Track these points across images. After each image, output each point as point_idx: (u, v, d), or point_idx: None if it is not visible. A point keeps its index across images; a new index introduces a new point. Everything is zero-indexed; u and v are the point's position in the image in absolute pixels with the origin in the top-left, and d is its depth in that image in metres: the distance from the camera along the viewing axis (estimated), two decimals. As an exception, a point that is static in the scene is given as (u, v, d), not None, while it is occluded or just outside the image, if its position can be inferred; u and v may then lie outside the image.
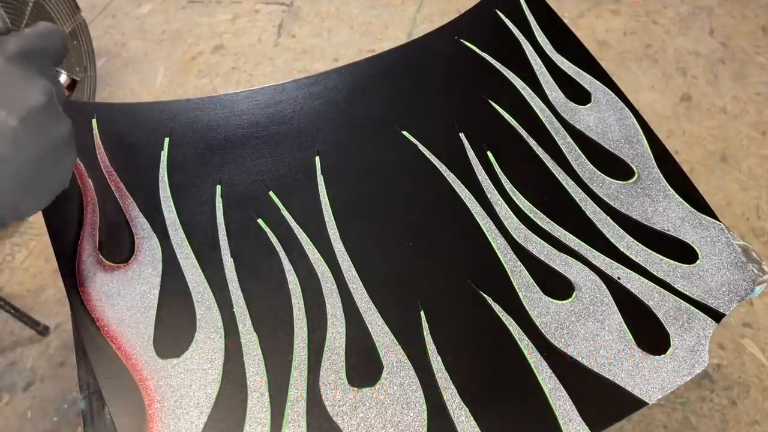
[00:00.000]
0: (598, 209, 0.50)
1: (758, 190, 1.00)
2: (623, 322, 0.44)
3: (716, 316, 0.44)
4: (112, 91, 1.26)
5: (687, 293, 0.45)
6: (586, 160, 0.54)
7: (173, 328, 0.44)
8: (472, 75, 0.60)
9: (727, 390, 0.79)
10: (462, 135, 0.56)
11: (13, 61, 0.32)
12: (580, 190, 0.52)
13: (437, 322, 0.45)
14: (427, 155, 0.54)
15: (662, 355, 0.43)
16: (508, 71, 0.60)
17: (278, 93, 0.59)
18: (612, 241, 0.49)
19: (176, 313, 0.45)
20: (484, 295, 0.46)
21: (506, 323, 0.45)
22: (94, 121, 0.55)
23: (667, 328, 0.44)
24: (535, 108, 0.57)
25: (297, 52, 1.31)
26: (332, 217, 0.50)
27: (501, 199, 0.51)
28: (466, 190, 0.52)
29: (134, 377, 0.42)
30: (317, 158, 0.54)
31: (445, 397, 0.41)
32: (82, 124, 0.55)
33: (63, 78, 0.38)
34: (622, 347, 0.43)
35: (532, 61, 0.61)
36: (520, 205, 0.51)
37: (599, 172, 0.53)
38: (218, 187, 0.52)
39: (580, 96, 0.58)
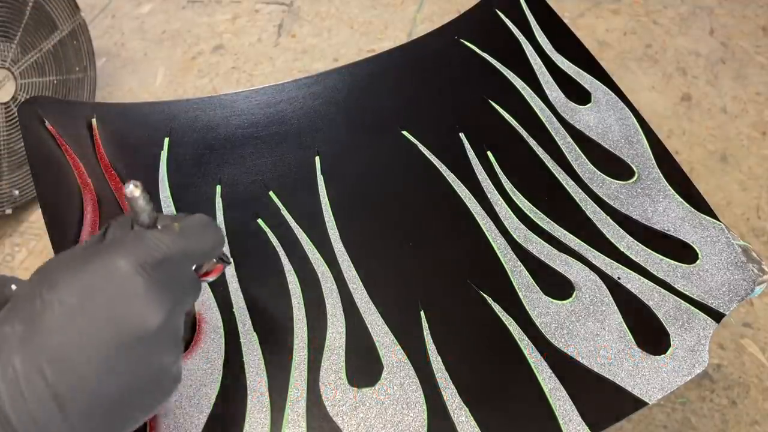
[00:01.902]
0: (598, 209, 0.50)
1: (758, 190, 1.00)
2: (623, 322, 0.44)
3: (716, 316, 0.44)
4: (112, 91, 1.26)
5: (687, 293, 0.45)
6: (586, 160, 0.54)
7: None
8: (472, 75, 0.60)
9: (727, 390, 0.79)
10: (462, 135, 0.56)
11: (141, 271, 0.27)
12: (580, 190, 0.52)
13: (437, 322, 0.45)
14: (427, 155, 0.54)
15: (662, 355, 0.43)
16: (508, 71, 0.60)
17: (278, 93, 0.59)
18: (612, 241, 0.49)
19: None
20: (484, 295, 0.46)
21: (506, 323, 0.45)
22: (94, 121, 0.55)
23: (667, 328, 0.44)
24: (535, 108, 0.57)
25: (297, 52, 1.31)
26: (332, 217, 0.50)
27: (501, 199, 0.51)
28: (466, 190, 0.52)
29: (134, 377, 0.42)
30: (317, 158, 0.54)
31: (445, 397, 0.41)
32: (82, 124, 0.55)
33: (214, 264, 0.33)
34: (622, 347, 0.43)
35: (532, 61, 0.61)
36: (520, 205, 0.51)
37: (599, 172, 0.53)
38: (218, 187, 0.52)
39: (580, 96, 0.58)
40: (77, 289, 0.26)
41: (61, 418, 0.24)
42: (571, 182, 0.52)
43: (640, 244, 0.48)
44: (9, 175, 0.98)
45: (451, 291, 0.47)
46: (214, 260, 0.34)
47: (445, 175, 0.53)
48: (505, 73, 0.60)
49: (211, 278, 0.35)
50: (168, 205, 0.51)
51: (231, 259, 0.35)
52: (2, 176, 0.97)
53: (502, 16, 0.64)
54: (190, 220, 0.31)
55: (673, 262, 0.47)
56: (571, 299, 0.46)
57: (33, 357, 0.24)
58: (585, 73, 0.59)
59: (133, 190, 0.28)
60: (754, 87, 1.16)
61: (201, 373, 0.42)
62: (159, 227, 0.30)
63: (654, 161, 0.53)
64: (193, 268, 0.33)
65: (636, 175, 0.52)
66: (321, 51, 1.31)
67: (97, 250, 0.27)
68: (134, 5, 1.47)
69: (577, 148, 0.54)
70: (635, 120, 0.56)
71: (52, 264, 0.27)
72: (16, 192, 1.00)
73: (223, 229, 0.50)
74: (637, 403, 0.41)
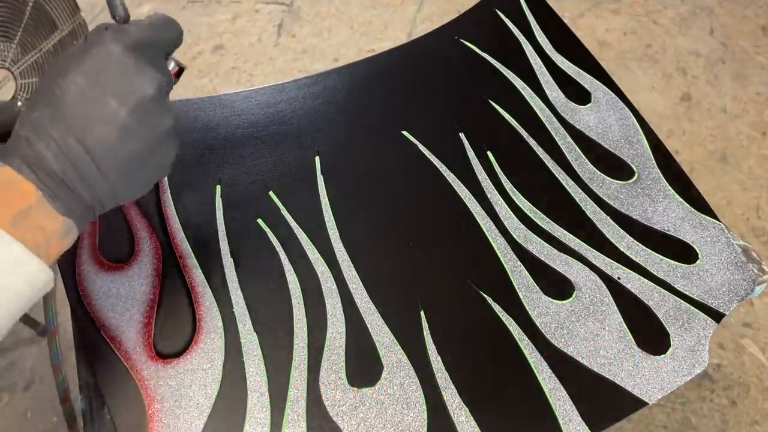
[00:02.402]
0: (598, 209, 0.50)
1: (758, 190, 1.00)
2: (623, 322, 0.44)
3: (716, 316, 0.44)
4: (112, 91, 1.26)
5: (687, 293, 0.45)
6: (586, 160, 0.54)
7: (173, 328, 0.44)
8: (472, 75, 0.60)
9: (727, 390, 0.79)
10: (462, 135, 0.56)
11: (128, 52, 0.32)
12: (580, 190, 0.52)
13: (437, 322, 0.45)
14: (427, 155, 0.54)
15: (662, 355, 0.43)
16: (508, 71, 0.60)
17: (278, 93, 0.59)
18: (612, 241, 0.49)
19: (176, 313, 0.45)
20: (484, 295, 0.46)
21: (506, 323, 0.45)
22: (94, 121, 0.55)
23: (667, 328, 0.44)
24: (535, 108, 0.57)
25: (297, 52, 1.31)
26: (332, 217, 0.50)
27: (501, 199, 0.51)
28: (466, 190, 0.52)
29: (134, 377, 0.42)
30: (317, 158, 0.54)
31: (445, 397, 0.41)
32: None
33: (171, 65, 0.38)
34: (622, 347, 0.43)
35: (532, 61, 0.61)
36: (520, 205, 0.51)
37: (599, 172, 0.53)
38: (218, 187, 0.52)
39: (580, 96, 0.58)
40: (84, 72, 0.32)
41: (94, 168, 0.31)
42: (571, 182, 0.52)
43: (640, 244, 0.48)
44: (9, 175, 0.98)
45: (451, 291, 0.47)
46: (173, 63, 0.38)
47: (445, 175, 0.53)
48: (505, 73, 0.60)
49: (174, 80, 0.39)
50: (168, 206, 0.51)
51: (186, 65, 0.40)
52: (2, 176, 0.97)
53: (502, 16, 0.64)
54: (156, 16, 0.36)
55: (673, 262, 0.47)
56: (571, 299, 0.46)
57: (65, 129, 0.31)
58: (585, 73, 0.59)
59: None
60: (754, 87, 1.16)
61: (201, 373, 0.42)
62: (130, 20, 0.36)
63: (654, 161, 0.53)
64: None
65: (636, 175, 0.52)
66: (321, 51, 1.31)
67: (91, 42, 0.33)
68: (134, 5, 1.47)
69: (577, 148, 0.54)
70: (635, 120, 0.56)
71: (60, 60, 0.33)
72: (16, 192, 0.99)
73: (224, 230, 0.50)
74: (637, 403, 0.41)
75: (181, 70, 0.39)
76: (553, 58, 0.61)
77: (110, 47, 0.32)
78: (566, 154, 0.54)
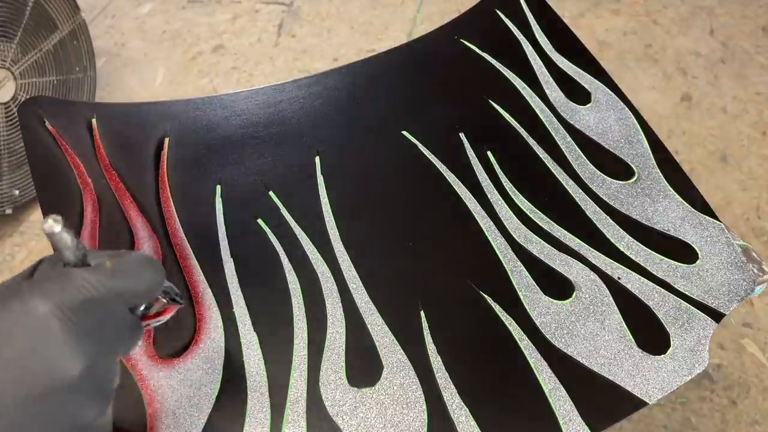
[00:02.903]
0: (598, 209, 0.50)
1: (758, 190, 1.00)
2: (623, 322, 0.44)
3: (716, 316, 0.44)
4: (112, 91, 1.26)
5: (687, 293, 0.45)
6: (586, 160, 0.54)
7: (173, 328, 0.44)
8: (471, 75, 0.60)
9: (727, 390, 0.79)
10: (462, 135, 0.56)
11: (60, 312, 0.24)
12: (580, 190, 0.52)
13: (437, 322, 0.45)
14: (427, 155, 0.54)
15: (662, 355, 0.43)
16: (508, 71, 0.60)
17: (278, 93, 0.59)
18: (612, 241, 0.49)
19: (176, 313, 0.45)
20: (484, 295, 0.46)
21: (506, 323, 0.45)
22: (94, 121, 0.55)
23: (667, 328, 0.44)
24: (535, 108, 0.57)
25: (297, 52, 1.31)
26: (332, 217, 0.50)
27: (501, 199, 0.51)
28: (466, 190, 0.52)
29: (134, 377, 0.42)
30: (317, 158, 0.54)
31: (445, 397, 0.41)
32: (82, 124, 0.55)
33: (156, 308, 0.30)
34: (622, 347, 0.43)
35: (532, 61, 0.61)
36: (520, 205, 0.51)
37: (599, 172, 0.53)
38: (218, 187, 0.52)
39: (580, 96, 0.58)
40: None
41: None
42: (571, 182, 0.52)
43: (640, 244, 0.48)
44: (9, 175, 0.98)
45: (451, 291, 0.47)
46: (165, 300, 0.32)
47: (445, 175, 0.53)
48: (505, 73, 0.60)
49: (162, 319, 0.33)
50: (168, 206, 0.51)
51: (183, 300, 0.33)
52: (2, 176, 0.97)
53: (502, 16, 0.64)
54: (126, 259, 0.28)
55: (673, 262, 0.47)
56: (571, 299, 0.46)
57: None
58: (585, 73, 0.59)
59: (52, 225, 0.25)
60: (754, 87, 1.16)
61: (201, 373, 0.42)
62: (91, 264, 0.28)
63: (654, 161, 0.53)
64: (142, 308, 0.31)
65: (636, 175, 0.52)
66: (321, 51, 1.31)
67: (18, 290, 0.25)
68: (134, 5, 1.47)
69: (577, 148, 0.54)
70: (635, 120, 0.56)
71: None
72: (16, 192, 1.00)
73: (224, 230, 0.50)
74: (637, 403, 0.41)
75: (176, 306, 0.32)
76: (553, 58, 0.61)
77: (34, 305, 0.24)
78: (566, 154, 0.54)
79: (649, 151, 0.54)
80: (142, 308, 0.30)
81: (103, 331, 0.26)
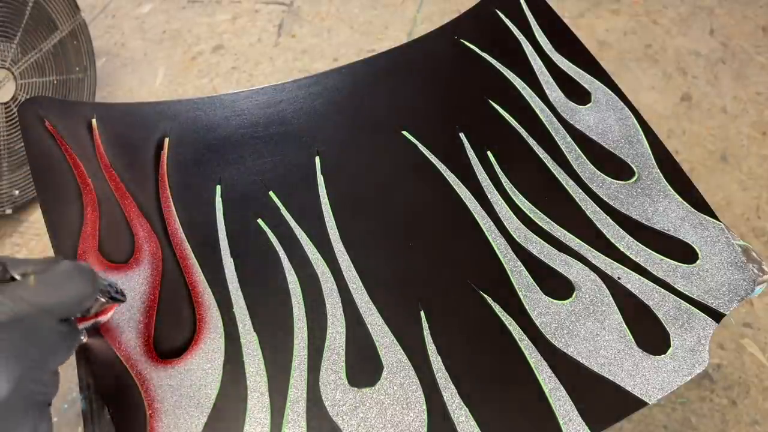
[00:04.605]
0: (598, 209, 0.50)
1: (758, 190, 1.00)
2: (623, 322, 0.44)
3: (716, 316, 0.44)
4: (112, 91, 1.26)
5: (687, 293, 0.45)
6: (586, 160, 0.54)
7: (173, 328, 0.44)
8: (472, 75, 0.60)
9: (727, 390, 0.79)
10: (462, 135, 0.56)
11: None
12: (580, 190, 0.52)
13: (437, 322, 0.45)
14: (427, 155, 0.54)
15: (662, 355, 0.43)
16: (508, 71, 0.60)
17: (278, 93, 0.59)
18: (612, 241, 0.49)
19: (176, 313, 0.45)
20: (484, 295, 0.46)
21: (506, 323, 0.45)
22: (94, 121, 0.55)
23: (667, 328, 0.44)
24: (535, 108, 0.57)
25: (297, 52, 1.31)
26: (332, 217, 0.50)
27: (501, 199, 0.51)
28: (466, 190, 0.52)
29: (134, 377, 0.42)
30: (317, 158, 0.54)
31: (445, 397, 0.41)
32: (82, 124, 0.55)
33: (96, 306, 0.29)
34: (622, 347, 0.43)
35: (532, 61, 0.61)
36: (520, 205, 0.51)
37: (599, 172, 0.53)
38: (218, 187, 0.52)
39: (580, 96, 0.58)
40: None
41: None
42: (571, 182, 0.52)
43: (640, 244, 0.48)
44: (9, 175, 0.98)
45: (451, 291, 0.47)
46: (104, 300, 0.30)
47: (445, 175, 0.53)
48: (505, 73, 0.60)
49: (102, 319, 0.32)
50: (168, 206, 0.51)
51: (125, 296, 0.32)
52: (2, 176, 0.97)
53: (502, 16, 0.64)
54: (51, 270, 0.27)
55: (673, 262, 0.47)
56: (571, 299, 0.46)
57: None
58: (585, 73, 0.59)
59: None
60: (754, 87, 1.16)
61: (201, 373, 0.42)
62: (17, 277, 0.27)
63: (654, 161, 0.53)
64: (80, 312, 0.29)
65: (636, 175, 0.52)
66: (321, 51, 1.31)
67: None
68: (134, 5, 1.46)
69: (577, 148, 0.54)
70: (635, 120, 0.56)
71: None
72: (16, 192, 0.99)
73: (224, 230, 0.50)
74: (637, 403, 0.41)
75: (117, 304, 0.30)
76: (553, 58, 0.61)
77: None
78: (566, 154, 0.54)
79: (649, 151, 0.54)
80: (77, 315, 0.30)
81: (30, 348, 0.25)
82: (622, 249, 0.48)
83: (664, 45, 1.25)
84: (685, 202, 0.50)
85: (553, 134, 0.55)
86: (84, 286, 0.29)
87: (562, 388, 0.42)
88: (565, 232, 0.49)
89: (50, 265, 0.28)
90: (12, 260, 0.27)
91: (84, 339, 0.33)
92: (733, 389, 0.80)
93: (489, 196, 0.52)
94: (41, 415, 0.26)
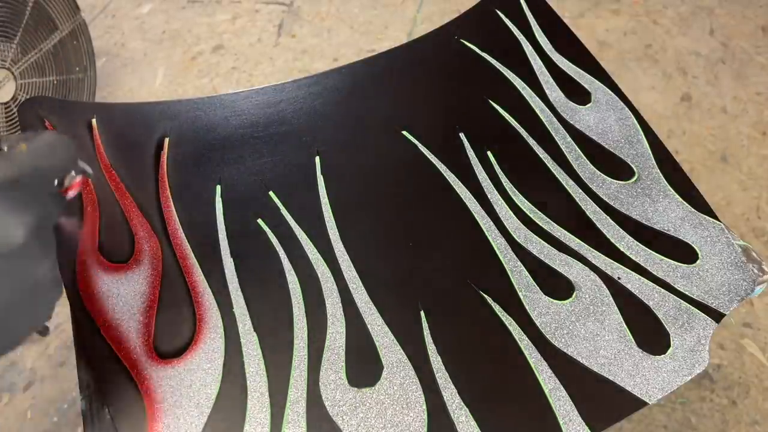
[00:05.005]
0: (598, 209, 0.50)
1: (758, 190, 1.00)
2: (623, 322, 0.44)
3: (716, 316, 0.44)
4: (112, 91, 1.26)
5: (687, 293, 0.45)
6: (586, 160, 0.54)
7: (173, 328, 0.44)
8: (472, 75, 0.60)
9: (727, 390, 0.79)
10: (462, 135, 0.56)
11: None
12: (580, 190, 0.52)
13: (437, 322, 0.45)
14: (427, 155, 0.54)
15: (662, 355, 0.43)
16: (508, 71, 0.60)
17: (278, 93, 0.59)
18: (612, 241, 0.49)
19: (176, 313, 0.45)
20: (484, 295, 0.46)
21: (506, 323, 0.45)
22: (93, 121, 0.55)
23: (667, 328, 0.44)
24: (535, 108, 0.57)
25: (297, 52, 1.31)
26: (332, 217, 0.50)
27: (501, 199, 0.51)
28: (466, 190, 0.52)
29: (134, 377, 0.42)
30: (317, 158, 0.54)
31: (445, 397, 0.41)
32: (82, 124, 0.55)
33: (68, 179, 0.33)
34: (622, 347, 0.43)
35: (532, 61, 0.61)
36: (520, 205, 0.51)
37: (599, 172, 0.53)
38: (218, 187, 0.52)
39: (580, 96, 0.58)
40: None
41: None
42: (571, 182, 0.52)
43: (640, 244, 0.48)
44: (9, 175, 0.98)
45: (451, 291, 0.47)
46: (73, 173, 0.34)
47: (445, 175, 0.53)
48: (505, 73, 0.60)
49: (72, 192, 0.36)
50: (168, 206, 0.51)
51: (91, 170, 0.37)
52: (2, 176, 0.97)
53: (502, 16, 0.64)
54: (38, 140, 0.32)
55: (673, 262, 0.47)
56: (571, 299, 0.46)
57: None
58: (585, 73, 0.59)
59: None
60: (754, 87, 1.16)
61: (201, 373, 0.42)
62: (5, 149, 0.31)
63: (654, 161, 0.53)
64: (56, 182, 0.34)
65: (636, 175, 0.52)
66: (321, 51, 1.31)
67: None
68: (134, 5, 1.46)
69: (577, 148, 0.54)
70: (635, 120, 0.56)
71: None
72: (16, 192, 0.99)
73: (224, 230, 0.50)
74: (637, 403, 0.41)
75: (84, 178, 0.35)
76: (553, 58, 0.61)
77: None
78: (566, 154, 0.54)
79: (649, 151, 0.54)
80: (56, 183, 0.34)
81: (34, 203, 0.30)
82: (622, 249, 0.48)
83: (664, 45, 1.25)
84: (685, 202, 0.50)
85: (553, 134, 0.55)
86: (67, 151, 0.33)
87: (562, 388, 0.42)
88: (565, 232, 0.49)
89: (36, 136, 0.32)
90: (2, 137, 0.31)
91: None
92: (733, 389, 0.80)
93: (489, 196, 0.52)
94: (52, 259, 0.31)
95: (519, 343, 0.44)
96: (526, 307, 0.45)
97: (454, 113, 0.57)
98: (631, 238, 0.49)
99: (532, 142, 0.55)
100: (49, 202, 0.32)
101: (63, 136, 0.33)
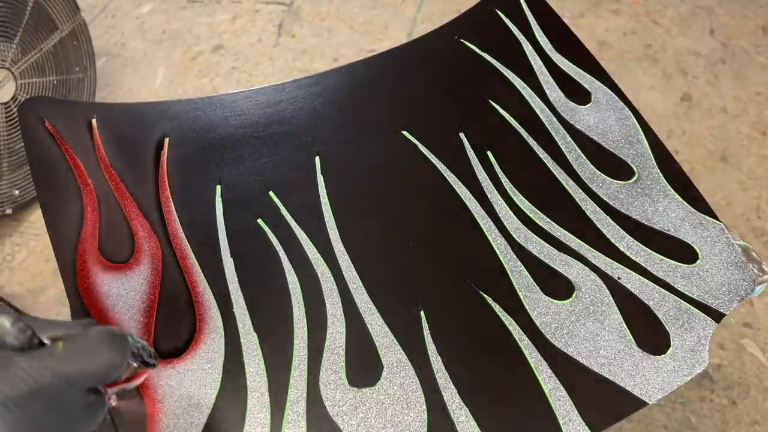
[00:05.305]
0: (598, 209, 0.50)
1: (758, 190, 1.00)
2: (623, 322, 0.44)
3: (716, 316, 0.44)
4: (112, 91, 1.26)
5: (687, 293, 0.45)
6: (586, 160, 0.54)
7: (173, 328, 0.44)
8: (471, 75, 0.60)
9: (727, 390, 0.79)
10: (462, 135, 0.56)
11: (2, 408, 0.23)
12: (580, 190, 0.52)
13: (437, 322, 0.45)
14: (427, 155, 0.54)
15: (662, 355, 0.43)
16: (508, 71, 0.60)
17: (278, 93, 0.59)
18: (612, 241, 0.49)
19: (176, 313, 0.45)
20: (484, 295, 0.46)
21: (506, 323, 0.45)
22: (94, 121, 0.55)
23: (667, 328, 0.44)
24: (535, 108, 0.57)
25: (297, 52, 1.31)
26: (332, 217, 0.50)
27: (501, 199, 0.51)
28: (466, 190, 0.52)
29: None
30: (317, 158, 0.54)
31: (445, 397, 0.41)
32: (82, 124, 0.55)
33: (113, 393, 0.28)
34: (622, 347, 0.43)
35: (532, 61, 0.61)
36: (520, 205, 0.51)
37: (599, 172, 0.53)
38: (218, 187, 0.52)
39: (580, 96, 0.58)
40: None
41: None
42: (571, 182, 0.52)
43: (640, 244, 0.48)
44: (9, 175, 0.98)
45: (451, 291, 0.47)
46: (135, 365, 0.30)
47: (445, 175, 0.53)
48: (505, 73, 0.60)
49: (131, 385, 0.31)
50: (168, 206, 0.51)
51: (157, 361, 0.31)
52: (2, 176, 0.97)
53: (502, 16, 0.64)
54: (81, 337, 0.26)
55: (673, 262, 0.47)
56: (571, 299, 0.46)
57: None
58: (585, 73, 0.59)
59: None
60: (754, 87, 1.16)
61: (201, 373, 0.42)
62: (46, 341, 0.26)
63: (654, 161, 0.53)
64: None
65: (636, 175, 0.52)
66: (321, 51, 1.31)
67: None
68: (134, 5, 1.46)
69: (577, 148, 0.54)
70: (635, 120, 0.56)
71: None
72: (16, 192, 1.00)
73: (224, 230, 0.50)
74: (637, 403, 0.41)
75: (149, 369, 0.29)
76: (553, 58, 0.61)
77: None
78: (566, 154, 0.54)
79: (649, 151, 0.54)
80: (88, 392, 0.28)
81: (54, 419, 0.24)
82: (622, 249, 0.48)
83: (664, 45, 1.25)
84: (685, 202, 0.50)
85: (553, 134, 0.55)
86: (114, 354, 0.27)
87: (562, 388, 0.42)
88: (565, 232, 0.49)
89: (81, 331, 0.27)
90: (41, 323, 0.26)
91: (113, 403, 0.32)
92: (733, 389, 0.80)
93: (489, 196, 0.52)
94: None
95: (519, 343, 0.44)
96: (526, 307, 0.45)
97: (454, 113, 0.57)
98: (631, 238, 0.49)
99: (532, 142, 0.55)
100: (76, 415, 0.26)
101: (115, 331, 0.28)
